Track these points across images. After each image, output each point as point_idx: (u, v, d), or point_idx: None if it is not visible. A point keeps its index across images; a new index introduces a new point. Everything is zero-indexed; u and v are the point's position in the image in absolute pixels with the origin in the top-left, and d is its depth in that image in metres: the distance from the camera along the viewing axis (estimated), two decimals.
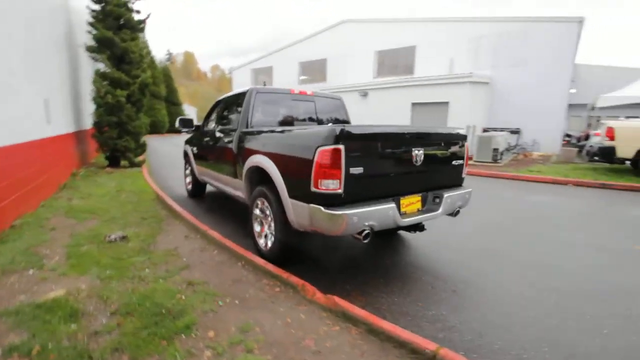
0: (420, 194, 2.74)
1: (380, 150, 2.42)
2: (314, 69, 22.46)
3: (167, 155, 12.27)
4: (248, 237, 3.51)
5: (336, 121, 4.33)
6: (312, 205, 2.29)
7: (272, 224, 2.89)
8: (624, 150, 7.15)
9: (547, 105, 14.39)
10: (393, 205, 2.41)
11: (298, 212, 2.48)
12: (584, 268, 3.00)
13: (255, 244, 3.16)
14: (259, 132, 3.16)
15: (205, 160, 4.75)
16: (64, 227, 3.72)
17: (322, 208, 2.22)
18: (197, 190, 5.56)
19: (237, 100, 4.01)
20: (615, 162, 8.69)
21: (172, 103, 29.00)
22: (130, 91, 7.49)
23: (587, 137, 14.42)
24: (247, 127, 3.55)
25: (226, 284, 2.49)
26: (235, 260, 2.93)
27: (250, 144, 3.24)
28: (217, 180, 4.34)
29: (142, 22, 7.85)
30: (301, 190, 2.41)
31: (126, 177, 7.09)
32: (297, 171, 2.44)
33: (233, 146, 3.61)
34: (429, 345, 1.71)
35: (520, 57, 14.67)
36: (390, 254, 3.29)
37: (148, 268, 2.72)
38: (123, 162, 8.32)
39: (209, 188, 5.85)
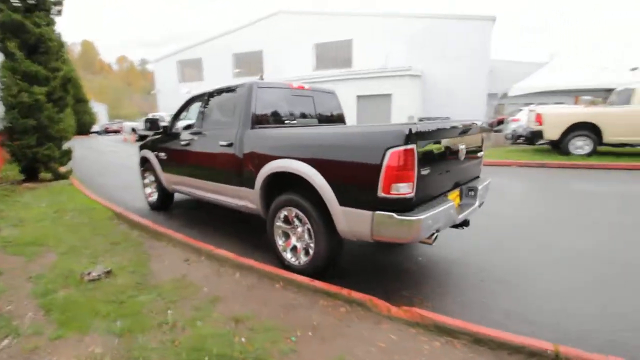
0: (458, 189, 2.71)
1: (440, 148, 2.30)
2: (250, 61, 21.49)
3: (90, 161, 10.48)
4: (257, 251, 3.12)
5: (334, 116, 4.09)
6: (378, 212, 2.07)
7: (309, 236, 2.57)
8: (551, 133, 8.32)
9: (470, 95, 16.05)
10: (452, 203, 2.33)
11: (354, 221, 2.22)
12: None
13: (281, 258, 2.80)
14: (279, 134, 2.77)
15: (180, 167, 4.07)
16: (12, 269, 2.81)
17: (394, 215, 2.01)
18: (164, 201, 4.79)
19: (228, 96, 3.49)
20: (536, 144, 10.10)
21: (77, 100, 24.90)
22: (50, 88, 6.08)
23: (499, 123, 16.53)
24: (251, 127, 3.10)
25: (280, 314, 2.12)
26: (269, 282, 2.53)
27: (266, 147, 2.82)
28: (202, 190, 3.75)
29: (60, 3, 6.39)
30: (361, 197, 2.16)
31: (56, 193, 5.79)
32: (355, 177, 2.17)
33: (235, 150, 3.12)
34: (546, 346, 1.66)
35: (445, 51, 16.04)
36: (404, 252, 3.23)
37: (169, 308, 2.19)
38: (44, 175, 6.80)
39: (177, 196, 5.09)
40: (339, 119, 4.17)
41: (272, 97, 3.39)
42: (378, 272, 2.81)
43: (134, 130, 19.67)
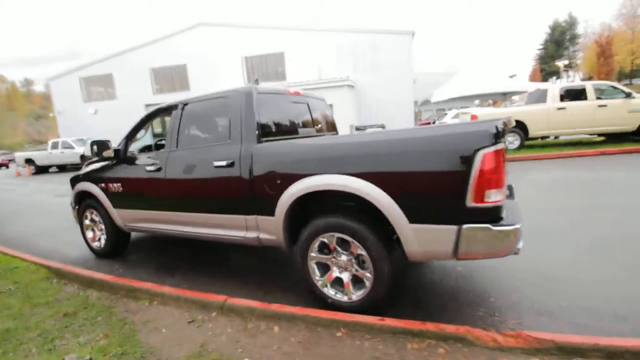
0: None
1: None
2: (172, 76, 19.75)
3: None
4: (278, 291, 2.56)
5: (328, 124, 3.70)
6: (468, 226, 1.76)
7: (358, 264, 2.14)
8: None
9: (398, 103, 17.18)
10: (517, 202, 2.15)
11: (431, 239, 1.88)
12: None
13: (321, 296, 2.29)
14: (309, 146, 2.28)
15: (146, 199, 3.21)
16: None
17: (490, 226, 1.73)
18: (118, 244, 3.76)
19: (216, 106, 2.86)
20: None
21: None
22: None
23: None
24: (258, 140, 2.54)
25: None
26: (326, 332, 2.00)
27: (291, 163, 2.30)
28: (185, 225, 2.98)
29: None
30: (441, 211, 1.83)
31: None
32: (431, 187, 1.83)
33: (239, 171, 2.52)
34: None
35: (374, 63, 16.97)
36: (429, 266, 3.01)
37: None
38: None
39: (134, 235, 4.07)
40: (333, 128, 3.81)
41: (273, 104, 2.87)
42: (421, 293, 2.49)
43: (28, 161, 16.22)
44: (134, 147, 3.64)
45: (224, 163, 2.60)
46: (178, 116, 3.06)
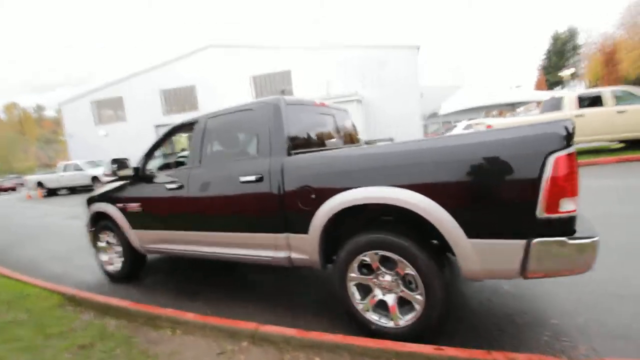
0: None
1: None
2: (181, 97, 20.06)
3: None
4: (311, 315, 2.33)
5: (353, 137, 3.56)
6: (541, 240, 1.55)
7: (405, 285, 1.94)
8: None
9: (406, 117, 17.13)
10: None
11: (494, 255, 1.67)
12: None
13: (363, 322, 2.06)
14: (349, 156, 2.11)
15: (167, 219, 3.05)
16: None
17: (565, 240, 1.52)
18: (134, 267, 3.58)
19: (242, 119, 2.73)
20: None
21: None
22: None
23: None
24: (287, 153, 2.39)
25: None
26: None
27: (328, 176, 2.12)
28: (208, 245, 2.80)
29: None
30: (506, 223, 1.63)
31: None
32: (495, 198, 1.64)
33: (268, 186, 2.35)
34: None
35: (381, 78, 17.06)
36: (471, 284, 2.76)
37: None
38: None
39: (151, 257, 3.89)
40: (357, 140, 3.66)
41: (301, 116, 2.73)
42: (470, 315, 2.24)
43: (40, 184, 16.34)
44: (152, 166, 3.53)
45: (251, 178, 2.44)
46: (201, 131, 2.93)
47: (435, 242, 1.98)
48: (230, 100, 17.82)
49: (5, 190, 25.31)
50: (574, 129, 1.56)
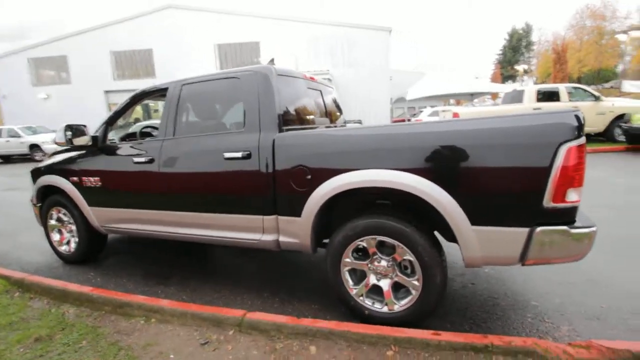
0: None
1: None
2: (135, 61, 18.31)
3: None
4: (297, 300, 2.26)
5: (338, 116, 3.40)
6: (544, 228, 1.57)
7: (401, 271, 1.91)
8: None
9: (375, 99, 17.21)
10: None
11: (495, 242, 1.67)
12: None
13: (356, 307, 2.01)
14: (350, 135, 1.97)
15: (132, 196, 2.74)
16: None
17: (567, 228, 1.55)
18: (92, 247, 3.22)
19: (224, 88, 2.46)
20: None
21: None
22: None
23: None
24: (279, 129, 2.19)
25: None
26: (373, 350, 1.72)
27: (327, 155, 1.98)
28: (183, 226, 2.55)
29: None
30: (512, 211, 1.62)
31: None
32: (503, 185, 1.61)
33: (258, 164, 2.16)
34: None
35: (351, 58, 16.82)
36: None
37: None
38: None
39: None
40: (337, 119, 3.52)
41: (291, 88, 2.52)
42: (458, 298, 2.30)
43: None
44: (112, 136, 3.12)
45: (237, 155, 2.22)
46: (175, 98, 2.61)
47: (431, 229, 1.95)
48: (193, 69, 16.58)
49: None
50: (584, 119, 1.56)
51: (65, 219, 3.22)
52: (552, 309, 2.09)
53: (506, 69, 53.09)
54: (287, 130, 2.24)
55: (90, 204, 2.98)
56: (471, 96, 23.33)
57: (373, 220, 1.90)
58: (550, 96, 9.15)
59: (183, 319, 2.09)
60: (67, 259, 3.28)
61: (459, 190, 1.68)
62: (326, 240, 2.27)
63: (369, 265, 1.99)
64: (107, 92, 18.61)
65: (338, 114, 3.47)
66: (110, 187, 2.85)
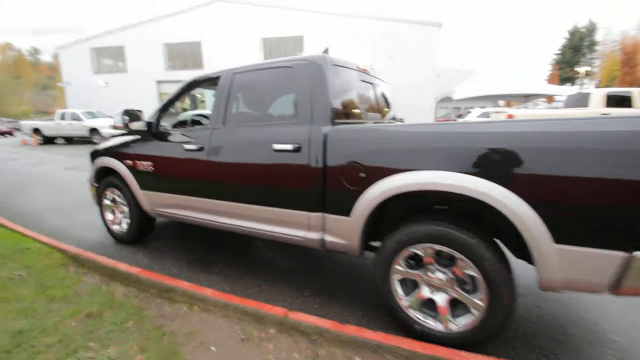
0: None
1: None
2: (185, 53, 19.12)
3: None
4: (344, 306, 2.13)
5: (390, 112, 3.23)
6: None
7: (459, 286, 1.72)
8: None
9: (420, 98, 16.54)
10: None
11: (582, 265, 1.43)
12: None
13: (407, 322, 1.85)
14: (413, 132, 1.81)
15: (181, 182, 2.78)
16: None
17: None
18: (142, 229, 3.33)
19: (277, 77, 2.39)
20: None
21: None
22: None
23: None
24: (332, 122, 2.08)
25: None
26: None
27: (383, 153, 1.83)
28: (229, 216, 2.54)
29: None
30: (608, 231, 1.38)
31: None
32: (601, 199, 1.37)
33: (307, 158, 2.06)
34: None
35: (397, 53, 16.27)
36: None
37: None
38: None
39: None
40: (394, 117, 3.34)
41: (345, 80, 2.39)
42: (519, 322, 2.06)
43: (35, 130, 15.76)
44: (165, 123, 3.19)
45: (287, 147, 2.14)
46: (226, 87, 2.59)
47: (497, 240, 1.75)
48: (239, 62, 17.02)
49: (2, 134, 24.49)
50: None
51: (118, 200, 3.36)
52: (636, 346, 1.80)
53: (564, 71, 48.95)
54: (339, 124, 2.12)
55: (142, 187, 3.07)
56: (525, 98, 21.78)
57: (433, 227, 1.73)
58: (621, 101, 8.19)
59: (225, 311, 2.06)
60: (119, 239, 3.43)
61: (542, 202, 1.46)
62: (374, 243, 2.14)
63: (423, 275, 1.83)
64: (159, 82, 19.66)
65: (387, 109, 3.29)
66: (160, 172, 2.92)
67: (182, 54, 19.24)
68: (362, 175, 1.89)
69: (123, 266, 2.60)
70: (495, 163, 1.54)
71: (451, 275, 1.74)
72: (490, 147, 1.55)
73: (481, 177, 1.55)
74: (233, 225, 2.53)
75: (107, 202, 3.46)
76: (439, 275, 1.78)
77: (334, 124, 2.10)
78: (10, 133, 23.87)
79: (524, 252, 1.60)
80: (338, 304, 2.25)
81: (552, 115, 8.64)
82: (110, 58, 21.39)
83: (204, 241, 3.47)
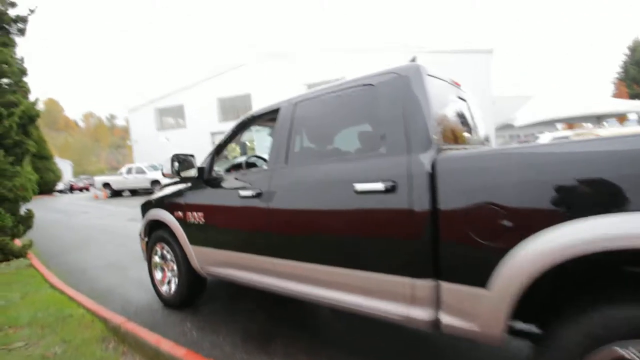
0: None
1: None
2: (236, 105, 20.34)
3: (56, 228, 8.20)
4: None
5: (482, 133, 2.57)
6: None
7: None
8: None
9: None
10: None
11: None
12: None
13: None
14: (588, 153, 1.15)
15: (237, 235, 2.30)
16: None
17: None
18: (191, 291, 2.86)
19: (355, 99, 1.88)
20: None
21: (40, 157, 22.35)
22: (2, 128, 4.22)
23: None
24: (437, 148, 1.48)
25: None
26: None
27: (540, 189, 1.17)
28: (287, 278, 1.96)
29: (23, 19, 4.74)
30: None
31: (3, 283, 3.69)
32: None
33: (407, 198, 1.45)
34: None
35: None
36: None
37: None
38: None
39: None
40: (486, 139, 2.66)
41: (442, 95, 1.82)
42: None
43: (106, 185, 17.27)
44: (218, 168, 2.84)
45: (375, 187, 1.55)
46: (287, 120, 2.14)
47: None
48: None
49: (80, 189, 27.86)
50: None
51: (168, 256, 2.98)
52: None
53: (631, 87, 44.25)
54: (446, 149, 1.51)
55: (192, 241, 2.66)
56: (597, 119, 19.47)
57: None
58: None
59: None
60: (166, 302, 2.99)
61: None
62: (518, 324, 1.38)
63: None
64: (212, 133, 21.00)
65: (481, 130, 2.62)
66: (212, 224, 2.48)
67: (233, 106, 20.55)
68: (506, 223, 1.21)
69: (167, 345, 2.09)
70: None
71: None
72: None
73: None
74: (303, 292, 1.92)
75: (156, 258, 3.10)
76: None
77: (439, 150, 1.49)
78: (87, 188, 26.90)
79: None
80: None
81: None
82: (171, 116, 23.57)
83: (264, 305, 2.89)
